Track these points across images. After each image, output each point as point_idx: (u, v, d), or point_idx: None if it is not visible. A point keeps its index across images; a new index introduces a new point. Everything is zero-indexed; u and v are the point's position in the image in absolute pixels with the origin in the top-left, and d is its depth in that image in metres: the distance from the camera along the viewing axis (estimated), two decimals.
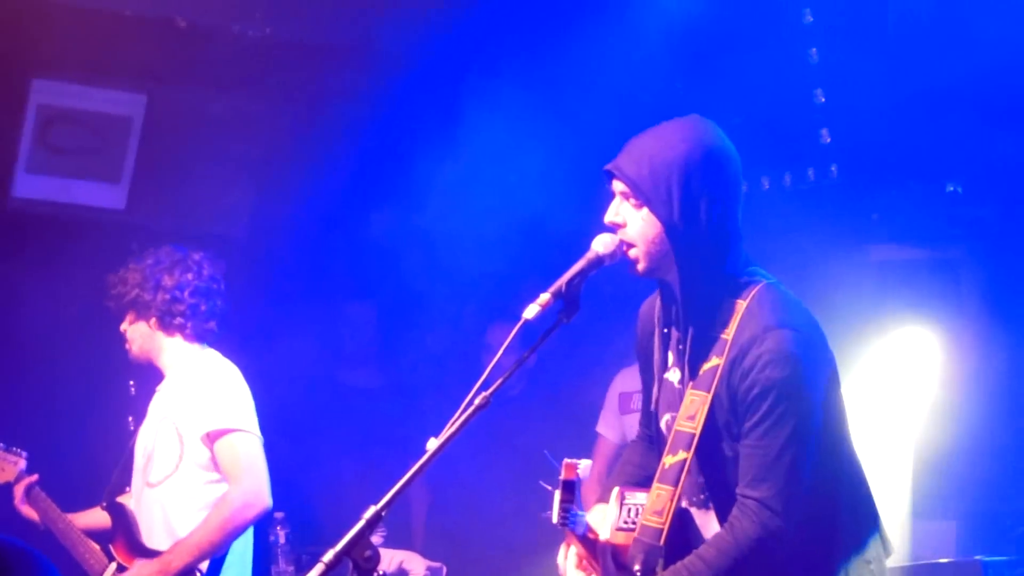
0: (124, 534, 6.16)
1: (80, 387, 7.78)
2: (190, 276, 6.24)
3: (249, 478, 5.99)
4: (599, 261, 4.14)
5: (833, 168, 7.38)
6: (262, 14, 7.35)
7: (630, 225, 4.16)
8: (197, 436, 6.07)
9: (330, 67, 7.73)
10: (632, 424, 7.15)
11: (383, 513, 3.73)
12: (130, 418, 6.60)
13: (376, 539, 3.68)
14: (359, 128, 7.92)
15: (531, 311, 4.01)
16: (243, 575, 6.21)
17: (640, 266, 4.19)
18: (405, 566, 8.26)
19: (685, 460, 4.09)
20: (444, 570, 8.35)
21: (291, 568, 7.80)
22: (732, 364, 4.06)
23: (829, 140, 7.33)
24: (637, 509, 4.19)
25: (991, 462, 7.86)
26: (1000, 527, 7.58)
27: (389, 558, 7.78)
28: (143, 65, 7.37)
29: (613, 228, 4.19)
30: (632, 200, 4.14)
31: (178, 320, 6.22)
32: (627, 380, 7.32)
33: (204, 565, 5.98)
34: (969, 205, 7.58)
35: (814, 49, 7.24)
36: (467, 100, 7.61)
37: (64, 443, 7.42)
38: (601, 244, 4.16)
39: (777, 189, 7.62)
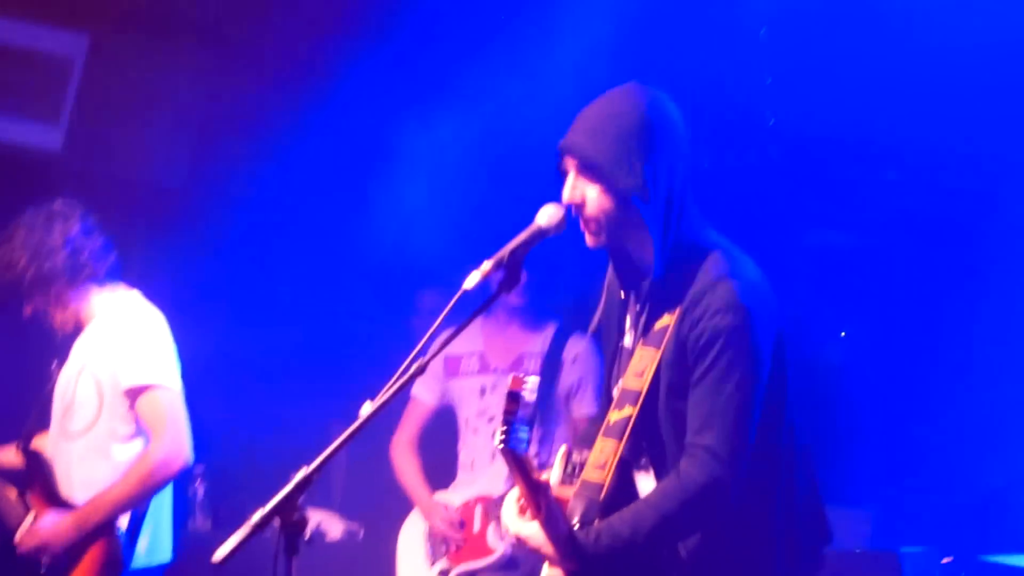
0: (42, 483, 6.06)
1: (5, 325, 7.69)
2: (69, 224, 6.09)
3: (170, 434, 5.92)
4: (542, 233, 4.12)
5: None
6: None
7: (589, 201, 4.13)
8: (117, 390, 5.98)
9: (281, 20, 7.67)
10: (457, 389, 7.18)
11: (314, 476, 3.71)
12: (55, 361, 6.52)
13: None
14: (307, 85, 7.87)
15: (472, 280, 3.99)
16: (162, 530, 6.15)
17: (598, 239, 4.18)
18: (322, 527, 8.27)
19: (631, 416, 4.06)
20: (361, 532, 8.36)
21: (208, 523, 7.79)
22: (682, 318, 4.04)
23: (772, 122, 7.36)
24: (580, 465, 4.17)
25: (907, 452, 7.94)
26: (917, 517, 7.66)
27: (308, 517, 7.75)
28: (88, 5, 7.27)
29: (571, 206, 4.16)
30: (588, 174, 4.12)
31: (86, 269, 6.07)
32: (455, 342, 7.21)
33: (124, 521, 5.93)
34: (907, 194, 7.64)
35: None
36: (421, 71, 7.60)
37: None
38: (545, 216, 4.14)
39: (721, 170, 7.65)
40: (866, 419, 8.07)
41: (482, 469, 7.03)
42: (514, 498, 4.17)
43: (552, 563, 4.08)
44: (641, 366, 4.10)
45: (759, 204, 7.58)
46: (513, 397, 3.90)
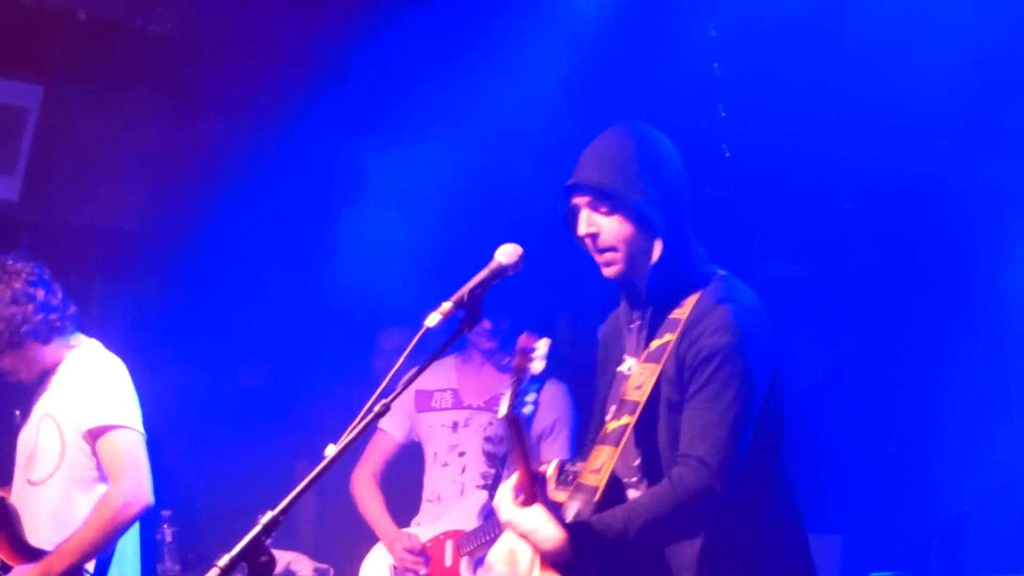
0: (8, 532, 6.05)
1: None
2: (26, 278, 6.05)
3: (130, 476, 5.90)
4: (502, 271, 4.14)
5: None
6: (165, 9, 7.28)
7: (604, 231, 4.26)
8: (78, 433, 5.97)
9: (232, 65, 7.69)
10: (426, 424, 7.18)
11: (280, 518, 3.72)
12: (17, 412, 6.50)
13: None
14: (259, 125, 7.88)
15: (433, 319, 4.00)
16: (129, 572, 6.15)
17: (617, 268, 4.30)
18: (293, 567, 8.23)
19: (628, 424, 4.15)
20: (331, 572, 8.34)
21: (177, 567, 7.74)
22: (682, 337, 4.16)
23: (728, 155, 7.40)
24: (575, 473, 4.24)
25: (876, 477, 7.97)
26: (887, 542, 7.68)
27: (276, 559, 7.73)
28: (41, 57, 7.28)
29: (586, 240, 4.30)
30: (601, 206, 4.25)
31: (54, 325, 6.06)
32: (428, 377, 7.22)
33: (91, 565, 5.91)
34: (864, 223, 7.69)
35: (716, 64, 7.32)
36: (381, 111, 7.62)
37: None
38: (504, 254, 4.16)
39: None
40: (834, 445, 8.08)
41: (450, 503, 7.02)
42: (510, 486, 4.21)
43: (543, 552, 4.10)
44: (640, 380, 4.20)
45: (716, 237, 7.61)
46: (524, 353, 4.04)
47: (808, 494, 7.81)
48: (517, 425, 4.04)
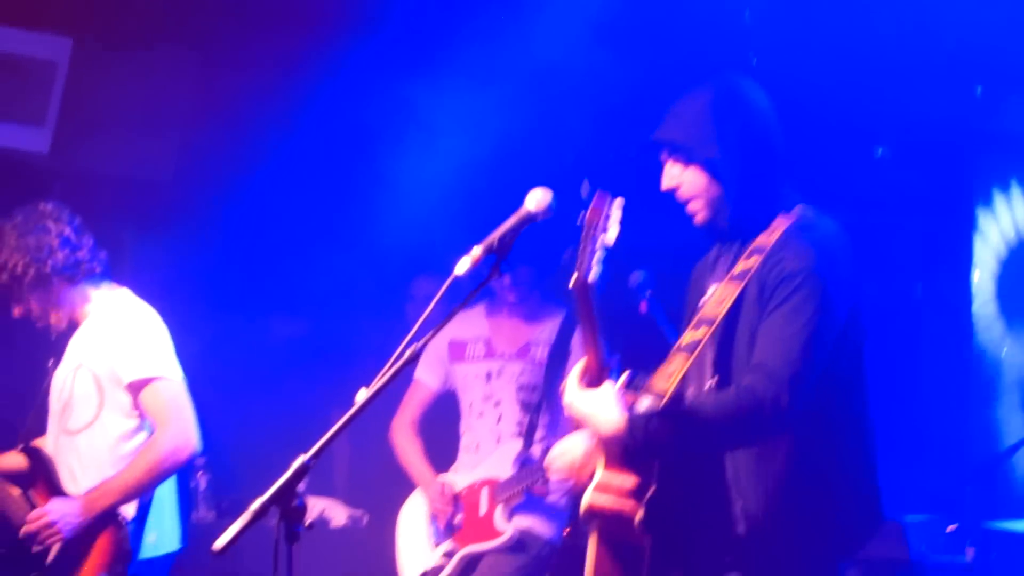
0: (45, 479, 6.09)
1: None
2: (61, 225, 6.11)
3: (177, 423, 5.93)
4: (531, 217, 4.14)
5: None
6: None
7: (684, 183, 4.40)
8: (118, 385, 5.99)
9: (259, 18, 7.67)
10: (460, 375, 7.23)
11: (312, 463, 3.73)
12: (51, 360, 6.53)
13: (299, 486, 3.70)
14: (294, 75, 7.87)
15: (462, 266, 4.02)
16: (169, 519, 6.19)
17: (701, 216, 4.42)
18: (327, 514, 8.29)
19: (704, 335, 4.18)
20: (365, 518, 8.38)
21: (211, 514, 7.80)
22: (767, 259, 4.23)
23: None
24: (645, 381, 4.24)
25: (909, 420, 7.96)
26: (920, 485, 7.68)
27: (311, 506, 7.78)
28: (70, 9, 7.28)
29: (673, 191, 4.42)
30: (677, 160, 4.39)
31: (84, 268, 6.10)
32: (461, 327, 7.26)
33: (131, 511, 5.95)
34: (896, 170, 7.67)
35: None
36: (402, 58, 7.59)
37: None
38: (533, 200, 4.15)
39: None
40: (867, 388, 8.07)
41: (487, 452, 7.05)
42: (577, 371, 4.22)
43: (601, 437, 4.12)
44: (722, 296, 4.25)
45: None
46: (597, 209, 4.03)
47: None
48: (586, 293, 4.03)
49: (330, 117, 7.92)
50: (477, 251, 4.05)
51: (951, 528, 7.07)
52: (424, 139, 7.76)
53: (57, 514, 5.89)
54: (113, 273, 6.26)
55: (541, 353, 7.07)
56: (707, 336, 4.19)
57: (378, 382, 3.86)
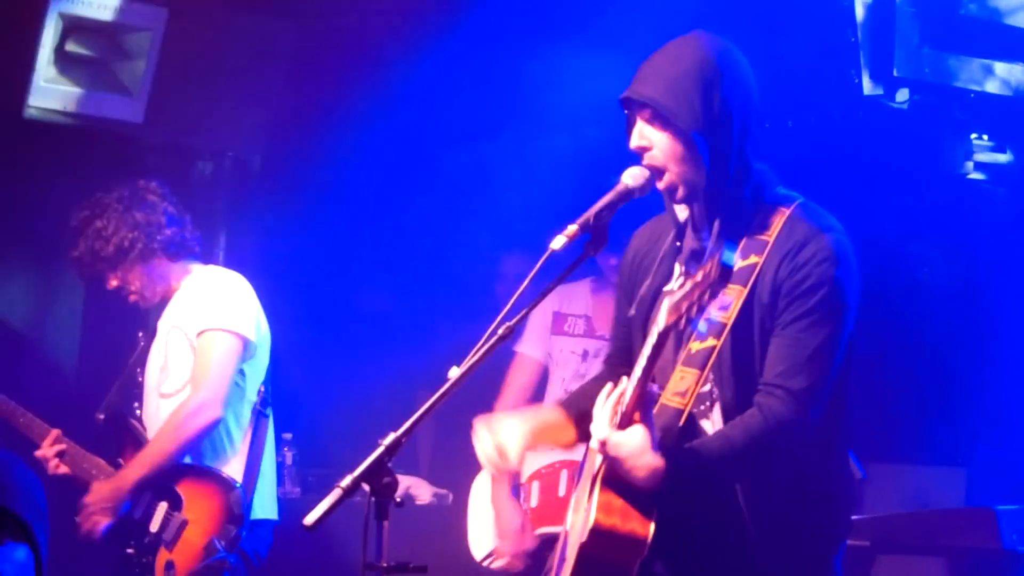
0: (133, 446, 6.15)
1: (94, 298, 7.76)
2: (165, 201, 6.25)
3: (209, 385, 5.99)
4: (628, 193, 4.08)
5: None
6: None
7: (656, 147, 4.08)
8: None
9: None
10: (557, 348, 7.14)
11: (402, 440, 3.71)
12: (140, 333, 6.58)
13: None
14: (385, 57, 7.84)
15: (558, 242, 3.96)
16: (269, 489, 6.27)
17: (673, 191, 4.12)
18: (412, 492, 8.28)
19: (714, 347, 3.99)
20: (450, 497, 8.36)
21: (297, 489, 7.82)
22: (781, 260, 4.02)
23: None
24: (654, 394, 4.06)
25: (1001, 408, 7.88)
26: (1012, 474, 7.60)
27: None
28: None
29: (639, 154, 4.12)
30: (655, 121, 4.07)
31: (186, 245, 6.25)
32: (563, 300, 7.18)
33: (239, 474, 6.03)
34: None
35: None
36: (496, 29, 7.55)
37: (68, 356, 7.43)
38: (631, 176, 4.10)
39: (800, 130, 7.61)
40: (958, 377, 8.00)
41: None
42: (611, 401, 4.00)
43: (633, 480, 3.91)
44: (726, 301, 4.01)
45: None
46: (720, 278, 3.63)
47: (934, 427, 7.80)
48: (668, 338, 3.87)
49: (425, 93, 7.89)
50: (572, 228, 3.99)
51: None
52: (519, 114, 7.70)
53: (92, 498, 5.96)
54: (204, 248, 6.35)
55: None
56: (719, 346, 4.00)
57: (470, 360, 3.84)
